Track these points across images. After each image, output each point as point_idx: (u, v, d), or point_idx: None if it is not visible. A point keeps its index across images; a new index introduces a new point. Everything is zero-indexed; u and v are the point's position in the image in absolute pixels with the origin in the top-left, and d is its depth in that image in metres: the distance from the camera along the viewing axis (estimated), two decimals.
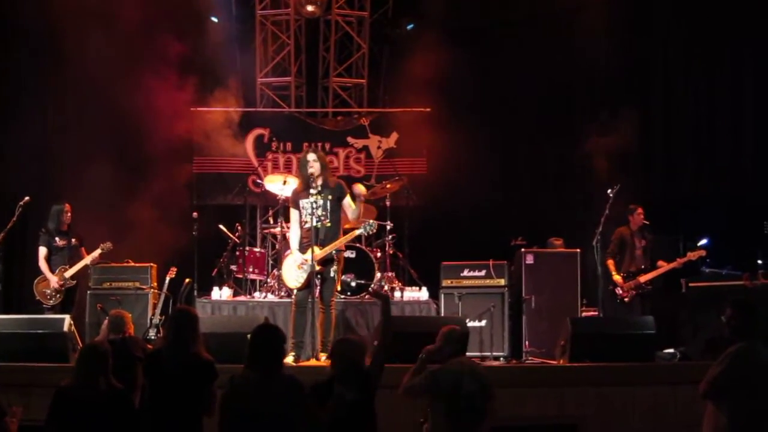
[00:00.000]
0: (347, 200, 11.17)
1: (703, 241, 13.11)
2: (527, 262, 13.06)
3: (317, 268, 10.89)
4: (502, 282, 12.92)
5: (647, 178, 15.24)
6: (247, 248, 13.96)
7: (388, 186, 14.03)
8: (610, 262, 13.11)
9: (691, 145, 15.44)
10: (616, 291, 13.02)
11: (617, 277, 13.02)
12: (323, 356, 10.82)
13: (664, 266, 13.02)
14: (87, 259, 12.76)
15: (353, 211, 11.21)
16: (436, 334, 9.06)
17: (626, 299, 12.97)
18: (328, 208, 10.99)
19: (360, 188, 11.30)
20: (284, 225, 13.22)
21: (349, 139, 15.82)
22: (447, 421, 7.53)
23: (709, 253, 13.09)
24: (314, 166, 11.03)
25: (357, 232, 11.37)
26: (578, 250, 13.19)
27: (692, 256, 12.94)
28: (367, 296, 13.03)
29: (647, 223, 13.26)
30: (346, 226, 11.65)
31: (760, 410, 7.44)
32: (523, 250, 13.18)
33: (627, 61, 15.69)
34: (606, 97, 15.56)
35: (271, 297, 13.31)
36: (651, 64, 15.68)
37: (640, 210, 13.24)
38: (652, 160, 15.58)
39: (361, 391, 7.21)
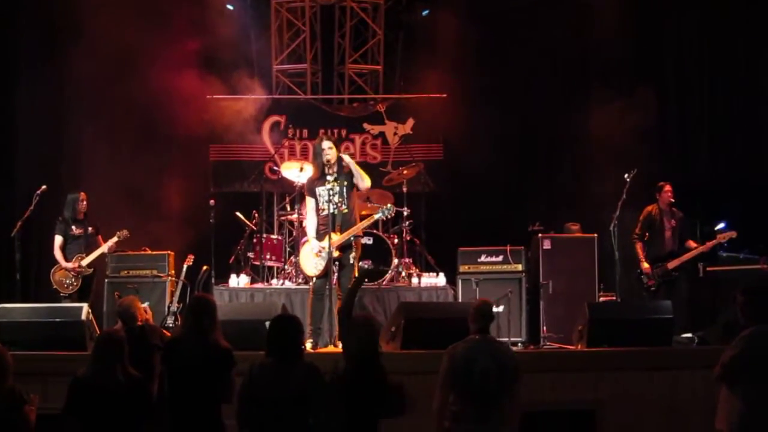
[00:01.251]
0: (354, 172, 11.17)
1: (720, 225, 13.05)
2: (544, 247, 13.05)
3: (335, 254, 10.88)
4: (520, 267, 12.92)
5: (663, 161, 15.15)
6: (264, 235, 13.95)
7: (405, 172, 14.03)
8: (639, 246, 12.98)
9: (707, 127, 15.38)
10: (642, 279, 12.90)
11: (646, 266, 12.88)
12: (341, 343, 10.83)
13: (693, 249, 12.81)
14: (104, 247, 12.79)
15: (361, 178, 11.18)
16: (453, 320, 9.09)
17: (653, 288, 12.83)
18: (345, 194, 10.98)
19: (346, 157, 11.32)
20: (301, 212, 13.22)
21: (366, 126, 15.80)
22: (461, 400, 7.45)
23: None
24: (330, 153, 11.02)
25: (375, 216, 11.36)
26: (595, 234, 13.16)
27: (722, 238, 12.73)
28: (384, 283, 13.07)
29: (673, 201, 13.04)
30: (364, 212, 11.65)
31: (758, 396, 7.43)
32: (540, 235, 13.16)
33: (642, 44, 15.63)
34: (622, 80, 15.49)
35: (288, 284, 13.32)
36: (666, 48, 15.62)
37: (667, 187, 13.03)
38: (667, 143, 15.51)
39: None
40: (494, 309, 11.95)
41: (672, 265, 12.78)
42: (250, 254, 13.86)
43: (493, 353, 7.57)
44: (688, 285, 12.91)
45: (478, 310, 7.82)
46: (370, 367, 7.06)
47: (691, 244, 12.89)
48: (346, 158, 11.26)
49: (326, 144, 11.10)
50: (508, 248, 12.93)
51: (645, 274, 12.87)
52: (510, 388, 7.55)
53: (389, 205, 11.52)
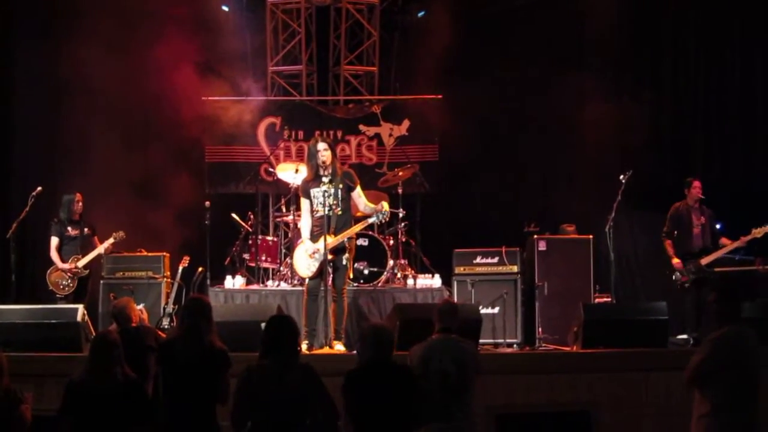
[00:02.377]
0: (357, 191, 11.18)
1: (717, 226, 13.05)
2: (540, 248, 13.06)
3: (329, 257, 10.88)
4: (515, 268, 12.94)
5: (658, 162, 15.16)
6: (260, 237, 13.95)
7: (400, 173, 14.04)
8: (668, 243, 12.88)
9: (702, 129, 15.34)
10: (675, 276, 12.77)
11: (676, 261, 12.76)
12: (336, 344, 10.85)
13: (727, 245, 12.68)
14: (100, 249, 12.80)
15: (363, 202, 11.22)
16: None
17: (687, 285, 12.66)
18: (339, 196, 10.96)
19: (385, 205, 11.32)
20: (296, 213, 13.23)
21: (361, 127, 15.80)
22: (427, 398, 7.48)
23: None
24: (325, 155, 11.01)
25: (370, 220, 11.33)
26: (591, 236, 13.17)
27: (757, 233, 12.50)
28: (379, 284, 13.08)
29: (703, 198, 12.90)
30: (358, 214, 11.65)
31: (742, 396, 7.46)
32: (535, 236, 13.17)
33: (638, 45, 15.61)
34: (618, 82, 15.49)
35: (283, 285, 13.31)
36: (662, 49, 15.57)
37: (696, 183, 12.92)
38: (663, 144, 15.48)
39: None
40: (487, 311, 12.10)
41: (705, 261, 12.65)
42: (246, 256, 13.85)
43: (452, 352, 7.64)
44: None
45: (440, 309, 8.00)
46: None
47: (725, 241, 12.76)
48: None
49: (321, 146, 11.07)
50: (504, 249, 12.95)
51: (678, 270, 12.75)
52: (472, 385, 7.65)
53: (384, 210, 11.47)
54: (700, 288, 12.58)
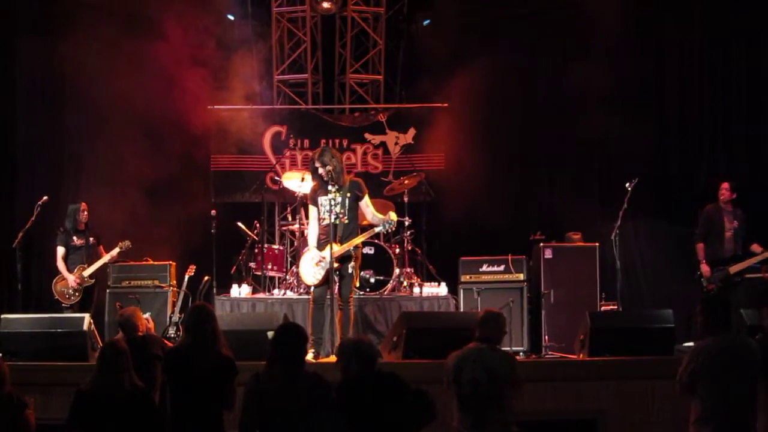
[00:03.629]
0: (365, 200, 11.17)
1: None
2: (546, 256, 13.05)
3: (335, 265, 10.87)
4: (521, 277, 12.94)
5: (664, 169, 15.12)
6: (266, 245, 13.96)
7: (406, 182, 14.05)
8: (700, 247, 12.59)
9: (708, 136, 15.27)
10: (702, 282, 12.51)
11: (705, 268, 12.49)
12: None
13: (759, 253, 12.34)
14: (105, 258, 12.83)
15: (371, 212, 11.21)
16: (455, 330, 9.14)
17: (712, 293, 12.28)
18: (347, 205, 10.95)
19: (392, 215, 11.30)
20: (302, 222, 13.24)
21: (367, 136, 15.80)
22: (459, 407, 7.55)
23: None
24: (332, 164, 11.00)
25: (376, 229, 11.30)
26: (597, 244, 13.16)
27: None
28: (385, 292, 13.08)
29: (734, 196, 12.57)
30: (365, 223, 11.65)
31: (731, 405, 7.44)
32: (541, 244, 13.17)
33: (643, 50, 15.57)
34: (624, 89, 15.46)
35: (290, 294, 13.31)
36: (666, 54, 15.54)
37: (724, 185, 12.63)
38: (670, 151, 15.41)
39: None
40: (505, 323, 12.07)
41: (734, 269, 12.37)
42: (252, 264, 13.86)
43: (485, 361, 7.62)
44: (748, 295, 12.24)
45: (482, 318, 7.93)
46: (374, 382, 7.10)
47: (756, 248, 12.45)
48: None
49: (327, 155, 11.06)
50: (510, 258, 12.95)
51: (704, 277, 12.52)
52: (504, 394, 7.63)
53: (392, 219, 11.42)
54: (729, 296, 12.03)
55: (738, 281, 12.39)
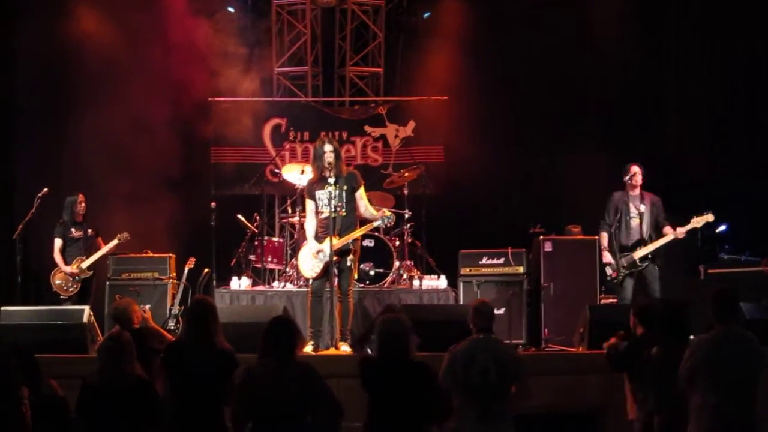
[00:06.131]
0: (360, 192, 11.15)
1: (721, 228, 12.99)
2: (546, 249, 13.04)
3: (334, 258, 10.87)
4: (521, 270, 12.94)
5: (663, 161, 15.11)
6: (266, 238, 13.97)
7: (406, 174, 14.03)
8: (601, 235, 12.32)
9: (707, 126, 15.28)
10: (606, 270, 12.31)
11: (605, 256, 12.23)
12: (342, 345, 10.86)
13: (665, 236, 11.97)
14: (104, 249, 12.82)
15: (364, 205, 11.20)
16: (454, 322, 9.11)
17: (615, 280, 12.16)
18: (344, 198, 10.93)
19: (385, 211, 11.30)
20: (302, 214, 13.23)
21: (367, 128, 15.81)
22: (465, 398, 7.49)
23: (727, 239, 12.96)
24: (331, 156, 10.98)
25: (375, 224, 11.30)
26: (596, 237, 13.14)
27: (696, 222, 11.83)
28: (385, 285, 13.08)
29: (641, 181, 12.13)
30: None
31: (729, 397, 7.44)
32: (541, 237, 13.16)
33: (641, 43, 15.57)
34: (623, 82, 15.47)
35: (289, 286, 13.32)
36: (665, 44, 15.54)
37: (633, 168, 12.13)
38: (667, 143, 15.45)
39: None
40: (494, 311, 12.05)
41: (639, 254, 12.06)
42: (252, 257, 13.87)
43: (494, 352, 7.60)
44: (659, 281, 12.09)
45: (476, 309, 7.89)
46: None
47: (668, 230, 12.03)
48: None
49: (327, 147, 11.03)
50: (510, 251, 12.95)
51: (606, 265, 12.26)
52: (512, 386, 7.59)
53: (389, 214, 11.39)
54: (640, 283, 12.03)
55: (641, 267, 12.01)
